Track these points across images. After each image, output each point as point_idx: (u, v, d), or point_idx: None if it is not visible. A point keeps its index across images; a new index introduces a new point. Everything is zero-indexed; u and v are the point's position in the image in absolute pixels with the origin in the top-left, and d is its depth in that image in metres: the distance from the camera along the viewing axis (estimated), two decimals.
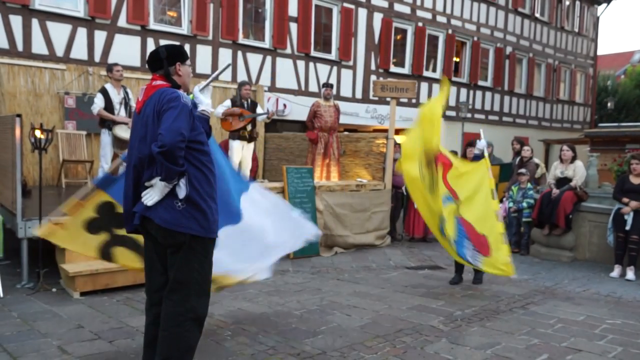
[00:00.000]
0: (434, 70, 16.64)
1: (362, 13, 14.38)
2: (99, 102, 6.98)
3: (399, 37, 15.57)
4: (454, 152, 11.28)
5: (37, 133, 5.41)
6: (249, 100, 8.09)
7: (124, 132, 7.03)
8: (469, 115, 16.83)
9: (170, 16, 11.22)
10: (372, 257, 7.66)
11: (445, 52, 16.63)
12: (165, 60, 3.04)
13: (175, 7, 11.23)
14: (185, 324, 2.95)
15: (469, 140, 6.55)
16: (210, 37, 11.53)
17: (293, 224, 4.64)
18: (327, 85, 9.03)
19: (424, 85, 16.18)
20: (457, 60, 17.49)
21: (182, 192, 2.87)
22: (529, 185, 8.33)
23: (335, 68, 13.93)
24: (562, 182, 7.88)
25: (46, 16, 9.37)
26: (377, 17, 14.72)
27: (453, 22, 16.83)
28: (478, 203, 5.74)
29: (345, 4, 13.94)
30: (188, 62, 3.13)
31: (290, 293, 5.51)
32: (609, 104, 24.00)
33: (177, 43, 3.47)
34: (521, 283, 6.36)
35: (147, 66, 3.18)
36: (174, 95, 2.87)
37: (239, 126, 7.83)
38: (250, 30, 12.48)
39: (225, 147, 8.59)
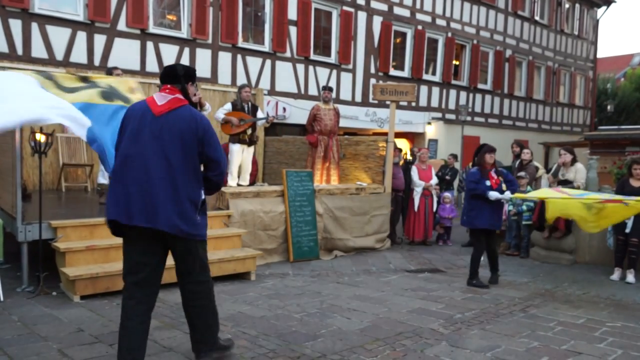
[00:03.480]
0: (434, 73, 16.68)
1: (362, 16, 14.41)
2: None
3: (398, 40, 15.60)
4: (454, 155, 11.30)
5: (38, 136, 5.41)
6: (250, 104, 8.10)
7: None
8: (468, 118, 16.85)
9: (170, 20, 11.24)
10: (372, 261, 7.66)
11: (445, 55, 16.66)
12: (182, 78, 3.40)
13: (174, 10, 11.26)
14: (211, 294, 3.53)
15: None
16: (209, 41, 11.55)
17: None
18: (326, 88, 9.04)
19: (424, 89, 16.21)
20: (457, 63, 17.52)
21: (200, 203, 3.35)
22: (528, 188, 8.33)
23: (334, 71, 13.95)
24: (563, 184, 7.87)
25: (46, 20, 9.39)
26: (377, 21, 14.75)
27: (452, 25, 16.87)
28: None
29: (345, 8, 13.98)
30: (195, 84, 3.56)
31: (290, 296, 5.51)
32: (608, 107, 24.02)
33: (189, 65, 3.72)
34: (521, 286, 6.37)
35: (162, 76, 3.47)
36: (207, 120, 3.40)
37: (239, 130, 7.85)
38: (249, 34, 12.51)
39: (225, 151, 8.61)
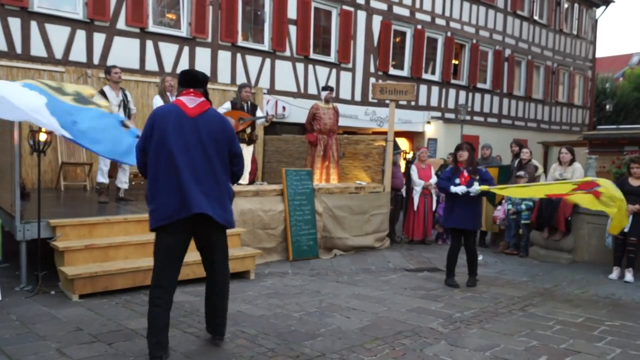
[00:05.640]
0: (433, 72, 16.67)
1: (361, 15, 14.40)
2: None
3: (398, 39, 15.60)
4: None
5: (38, 135, 5.40)
6: (249, 103, 8.10)
7: None
8: (468, 117, 16.85)
9: (170, 18, 11.23)
10: (371, 260, 7.66)
11: (444, 54, 16.65)
12: (203, 82, 3.75)
13: (174, 9, 11.24)
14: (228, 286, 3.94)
15: (457, 145, 6.51)
16: (209, 40, 11.54)
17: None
18: (329, 88, 9.01)
19: (423, 88, 16.21)
20: (456, 62, 17.52)
21: (232, 194, 3.80)
22: None
23: (334, 70, 13.94)
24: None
25: (45, 18, 9.37)
26: (376, 20, 14.74)
27: (452, 24, 16.86)
28: None
29: (345, 7, 13.97)
30: None
31: (289, 295, 5.51)
32: (607, 107, 24.04)
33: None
34: (520, 285, 6.37)
35: (183, 81, 3.75)
36: (233, 129, 3.83)
37: (238, 129, 7.84)
38: (249, 33, 12.49)
39: None
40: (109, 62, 9.50)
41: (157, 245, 3.63)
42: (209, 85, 11.15)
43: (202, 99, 3.69)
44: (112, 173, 7.58)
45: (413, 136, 16.64)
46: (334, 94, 9.14)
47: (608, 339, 4.40)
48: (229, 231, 6.44)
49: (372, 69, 14.80)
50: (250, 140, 8.16)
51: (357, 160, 9.21)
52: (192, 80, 3.70)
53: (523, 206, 8.23)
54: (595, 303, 5.62)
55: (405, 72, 15.73)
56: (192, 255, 5.72)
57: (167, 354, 3.63)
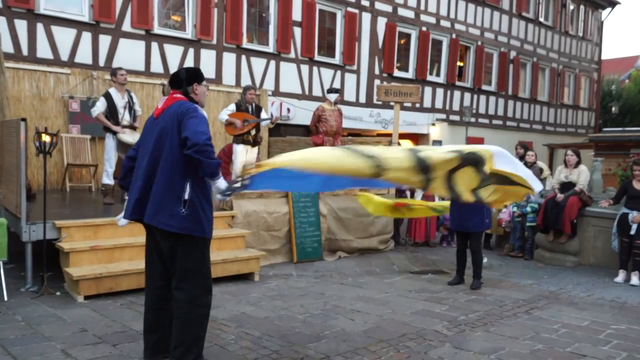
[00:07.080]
0: (438, 74, 16.65)
1: (366, 17, 14.40)
2: (99, 107, 6.98)
3: (402, 41, 15.59)
4: None
5: (44, 137, 5.42)
6: (254, 105, 8.11)
7: (128, 137, 7.04)
8: (473, 119, 16.81)
9: (175, 20, 11.26)
10: (375, 262, 7.65)
11: (449, 56, 16.63)
12: (184, 81, 3.53)
13: (179, 11, 11.28)
14: (196, 310, 3.34)
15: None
16: (214, 42, 11.57)
17: None
18: (337, 91, 8.99)
19: (428, 90, 16.19)
20: (461, 64, 17.49)
21: (186, 195, 3.29)
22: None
23: (339, 72, 13.94)
24: (566, 186, 7.86)
25: (51, 21, 9.42)
26: (381, 22, 14.73)
27: (457, 26, 16.84)
28: None
29: (349, 9, 13.97)
30: (204, 82, 3.64)
31: (293, 297, 5.51)
32: (613, 109, 23.92)
33: (195, 67, 3.75)
34: (525, 288, 6.35)
35: (169, 85, 3.63)
36: (192, 107, 3.38)
37: (243, 130, 7.85)
38: (254, 35, 12.52)
39: (229, 151, 8.60)
40: (115, 64, 9.54)
41: None
42: (214, 87, 11.09)
43: (175, 96, 3.47)
44: (118, 174, 7.59)
45: (418, 138, 16.61)
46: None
47: (614, 342, 4.38)
48: (233, 233, 6.53)
49: (376, 71, 14.80)
50: (255, 142, 8.16)
51: None
52: (172, 81, 3.56)
53: (528, 208, 8.20)
54: (600, 306, 5.59)
55: (410, 74, 15.71)
56: None
57: (152, 357, 3.52)
